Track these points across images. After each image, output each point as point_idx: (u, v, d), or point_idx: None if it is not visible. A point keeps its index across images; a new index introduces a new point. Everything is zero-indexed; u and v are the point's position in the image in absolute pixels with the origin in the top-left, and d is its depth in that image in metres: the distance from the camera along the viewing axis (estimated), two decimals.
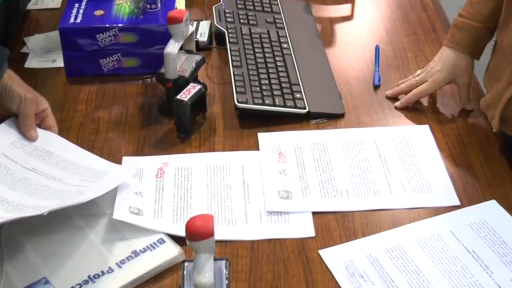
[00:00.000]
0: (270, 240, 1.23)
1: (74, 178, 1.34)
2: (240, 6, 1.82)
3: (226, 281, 1.02)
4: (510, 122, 1.41)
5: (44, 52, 1.74)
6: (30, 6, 1.93)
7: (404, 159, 1.41)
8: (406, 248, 1.20)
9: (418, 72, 1.55)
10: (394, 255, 1.18)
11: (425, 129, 1.48)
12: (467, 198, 1.30)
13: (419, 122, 1.51)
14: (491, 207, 1.28)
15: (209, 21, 1.79)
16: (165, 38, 1.52)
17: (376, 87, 1.62)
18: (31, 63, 1.70)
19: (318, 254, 1.19)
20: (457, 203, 1.30)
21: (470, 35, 1.49)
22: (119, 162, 1.39)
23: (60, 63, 1.67)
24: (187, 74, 1.50)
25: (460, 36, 1.50)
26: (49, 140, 1.44)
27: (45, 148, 1.42)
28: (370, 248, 1.21)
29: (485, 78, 1.54)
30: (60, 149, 1.43)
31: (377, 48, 1.72)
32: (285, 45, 1.69)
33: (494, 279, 1.12)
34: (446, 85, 1.54)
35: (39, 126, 1.44)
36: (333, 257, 1.19)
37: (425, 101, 1.57)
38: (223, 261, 1.08)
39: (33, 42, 1.77)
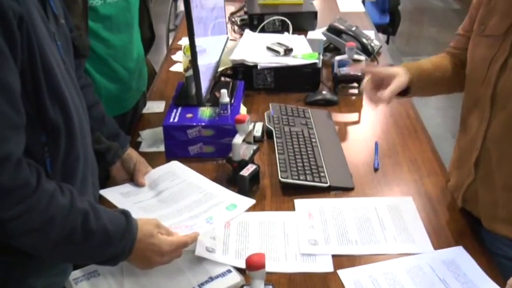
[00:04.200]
0: (302, 273, 1.23)
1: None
2: (283, 113, 1.83)
3: None
4: (469, 201, 1.38)
5: (152, 141, 1.75)
6: (144, 111, 1.96)
7: (395, 220, 1.39)
8: (397, 273, 1.21)
9: None
10: (389, 277, 1.20)
11: (409, 200, 1.46)
12: (440, 247, 1.29)
13: (405, 195, 1.49)
14: (459, 251, 1.27)
15: (262, 122, 1.79)
16: (233, 133, 1.53)
17: (376, 170, 1.61)
18: (143, 148, 1.71)
19: (336, 283, 1.19)
20: (432, 250, 1.29)
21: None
22: None
23: (162, 148, 1.67)
24: (247, 158, 1.51)
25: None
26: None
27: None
28: (373, 271, 1.22)
29: (450, 168, 1.53)
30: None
31: (376, 144, 1.72)
32: (313, 140, 1.69)
33: None
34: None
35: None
36: (347, 276, 1.21)
37: (410, 180, 1.55)
38: (270, 286, 1.10)
39: (145, 134, 1.79)
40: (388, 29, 3.79)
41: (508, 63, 1.23)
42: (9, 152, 0.95)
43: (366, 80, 1.51)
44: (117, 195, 1.37)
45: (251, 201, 1.31)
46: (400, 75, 1.40)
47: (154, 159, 1.60)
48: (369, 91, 1.45)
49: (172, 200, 1.36)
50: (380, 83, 1.42)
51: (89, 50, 1.39)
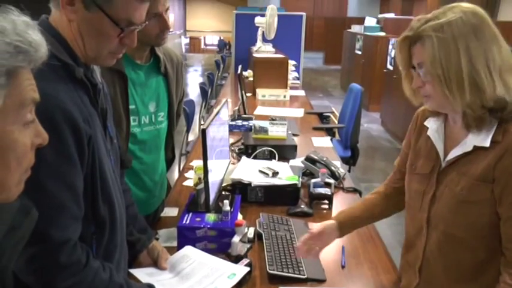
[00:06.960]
0: None
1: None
2: (270, 220, 1.84)
3: None
4: None
5: (167, 238, 1.75)
6: (162, 214, 1.96)
7: None
8: None
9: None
10: None
11: None
12: None
13: (366, 287, 1.49)
14: None
15: (254, 227, 1.80)
16: (232, 234, 1.57)
17: (343, 267, 1.62)
18: (160, 243, 1.63)
19: None
20: None
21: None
22: None
23: (175, 244, 1.65)
24: (242, 253, 1.54)
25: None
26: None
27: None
28: None
29: (399, 270, 1.49)
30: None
31: (343, 247, 1.73)
32: (294, 242, 1.68)
33: None
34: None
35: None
36: None
37: (369, 275, 1.55)
38: None
39: (162, 233, 1.79)
40: (349, 160, 3.94)
41: (436, 195, 1.25)
42: (69, 237, 1.01)
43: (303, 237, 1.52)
44: (143, 275, 1.39)
45: (246, 269, 1.34)
46: (330, 234, 1.47)
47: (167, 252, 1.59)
48: (302, 242, 1.45)
49: (187, 278, 1.39)
50: (316, 236, 1.47)
51: (131, 163, 1.48)
